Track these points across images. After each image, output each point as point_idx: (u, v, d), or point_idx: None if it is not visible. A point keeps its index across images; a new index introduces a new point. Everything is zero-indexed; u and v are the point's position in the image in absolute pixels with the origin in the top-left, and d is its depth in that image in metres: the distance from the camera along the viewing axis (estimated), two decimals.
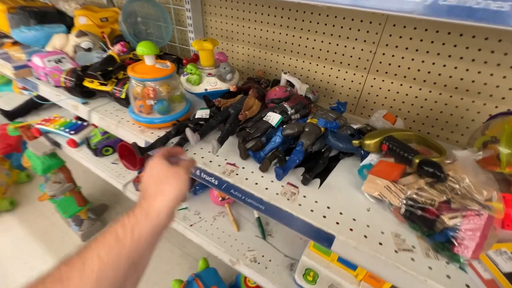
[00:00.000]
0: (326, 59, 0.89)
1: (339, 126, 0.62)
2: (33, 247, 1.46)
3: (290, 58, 0.96)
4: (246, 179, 0.59)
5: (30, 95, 1.38)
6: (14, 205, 1.65)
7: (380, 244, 0.46)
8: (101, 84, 0.78)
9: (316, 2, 0.41)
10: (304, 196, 0.55)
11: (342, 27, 0.81)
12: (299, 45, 0.92)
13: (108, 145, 1.16)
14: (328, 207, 0.53)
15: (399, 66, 0.77)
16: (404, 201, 0.48)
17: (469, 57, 0.67)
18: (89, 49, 0.93)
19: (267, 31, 0.96)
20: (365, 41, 0.79)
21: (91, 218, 1.56)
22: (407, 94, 0.80)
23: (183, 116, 0.75)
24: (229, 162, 0.63)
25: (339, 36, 0.83)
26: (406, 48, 0.74)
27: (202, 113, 0.74)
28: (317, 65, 0.92)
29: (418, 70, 0.75)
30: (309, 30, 0.87)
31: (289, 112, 0.72)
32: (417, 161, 0.48)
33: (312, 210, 0.52)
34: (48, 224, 1.60)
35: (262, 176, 0.60)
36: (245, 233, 0.89)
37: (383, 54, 0.78)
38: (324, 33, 0.85)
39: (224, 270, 1.30)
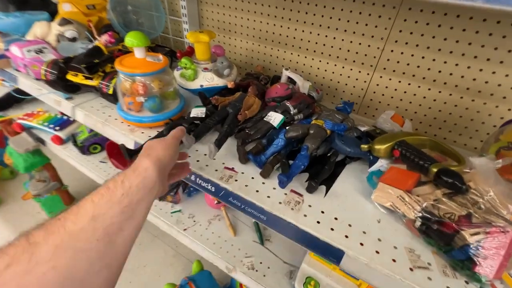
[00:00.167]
0: (330, 55, 0.84)
1: (346, 129, 0.58)
2: None
3: (292, 53, 0.91)
4: (246, 185, 0.54)
5: (11, 87, 1.29)
6: None
7: (394, 260, 0.42)
8: (86, 78, 0.71)
9: None
10: (310, 206, 0.51)
11: (348, 21, 0.76)
12: (302, 39, 0.86)
13: (96, 143, 1.09)
14: (336, 218, 0.49)
15: (408, 64, 0.73)
16: (420, 214, 0.44)
17: (484, 56, 0.63)
18: (73, 39, 0.85)
19: (268, 23, 0.90)
20: (372, 36, 0.74)
21: None
22: (415, 94, 0.76)
23: (177, 115, 0.69)
24: (227, 167, 0.58)
25: (345, 30, 0.77)
26: (417, 45, 0.69)
27: (198, 111, 0.68)
28: (320, 61, 0.87)
29: (428, 69, 0.70)
30: (312, 24, 0.82)
31: (291, 112, 0.67)
32: (434, 170, 0.44)
33: (318, 222, 0.48)
34: (33, 223, 1.51)
35: (263, 183, 0.55)
36: (242, 238, 0.85)
37: (392, 51, 0.73)
38: (329, 27, 0.79)
39: (219, 271, 1.25)
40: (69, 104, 0.74)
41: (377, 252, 0.44)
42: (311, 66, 0.89)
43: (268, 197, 0.52)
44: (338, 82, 0.87)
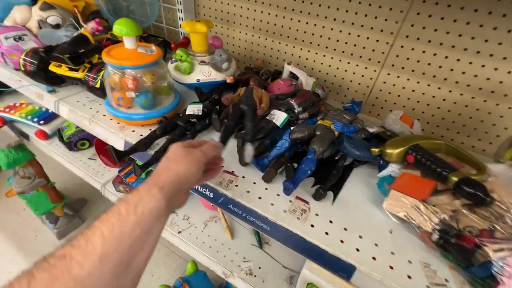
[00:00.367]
0: (334, 49, 0.79)
1: (356, 131, 0.54)
2: (1, 247, 1.32)
3: (294, 47, 0.86)
4: (248, 191, 0.49)
5: None
6: None
7: (409, 277, 0.39)
8: (71, 69, 0.65)
9: None
10: (317, 214, 0.47)
11: (356, 13, 0.71)
12: (305, 32, 0.81)
13: (84, 138, 1.03)
14: (345, 229, 0.45)
15: (418, 61, 0.68)
16: (438, 227, 0.40)
17: (501, 55, 0.59)
18: (57, 26, 0.78)
19: (269, 13, 0.84)
20: (382, 30, 0.69)
21: (68, 214, 1.43)
22: (423, 93, 0.72)
23: (171, 112, 0.63)
24: (227, 170, 0.53)
25: (352, 23, 0.72)
26: (429, 41, 0.65)
27: (194, 108, 0.63)
28: (323, 56, 0.82)
29: (440, 67, 0.67)
30: (317, 15, 0.76)
31: (296, 111, 0.62)
32: (455, 179, 0.41)
33: (327, 233, 0.44)
34: (19, 221, 1.45)
35: (266, 188, 0.51)
36: (239, 241, 0.81)
37: (402, 46, 0.69)
38: (335, 19, 0.74)
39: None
40: (52, 98, 0.68)
41: (391, 267, 0.40)
42: (314, 61, 0.85)
43: (272, 204, 0.48)
44: (343, 78, 0.82)
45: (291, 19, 0.81)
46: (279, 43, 0.88)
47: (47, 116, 1.05)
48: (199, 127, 0.60)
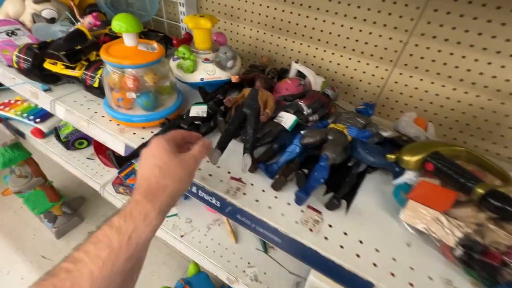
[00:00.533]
0: (344, 47, 0.75)
1: (371, 136, 0.51)
2: None
3: (301, 44, 0.82)
4: (257, 200, 0.47)
5: None
6: None
7: None
8: (67, 67, 0.61)
9: None
10: (330, 226, 0.44)
11: (369, 9, 0.67)
12: (313, 28, 0.77)
13: (82, 137, 0.99)
14: (361, 242, 0.43)
15: (433, 60, 0.65)
16: (462, 242, 0.38)
17: None
18: (51, 20, 0.74)
19: (276, 8, 0.80)
20: (395, 28, 0.66)
21: (67, 213, 1.40)
22: (437, 94, 0.69)
23: (174, 113, 0.60)
24: (234, 177, 0.50)
25: (364, 20, 0.69)
26: (446, 40, 0.62)
27: (198, 109, 0.59)
28: (332, 53, 0.78)
29: (456, 67, 0.63)
30: (327, 11, 0.72)
31: (305, 113, 0.59)
32: (481, 191, 0.38)
33: (342, 246, 0.42)
34: (16, 219, 1.43)
35: (276, 197, 0.48)
36: (244, 245, 0.79)
37: (416, 45, 0.65)
38: (345, 15, 0.71)
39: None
40: (47, 97, 0.64)
41: (411, 284, 0.38)
42: (322, 59, 0.81)
43: (283, 215, 0.45)
44: (352, 77, 0.79)
45: (299, 14, 0.77)
46: (286, 39, 0.84)
47: (43, 114, 1.02)
48: (204, 130, 0.57)
